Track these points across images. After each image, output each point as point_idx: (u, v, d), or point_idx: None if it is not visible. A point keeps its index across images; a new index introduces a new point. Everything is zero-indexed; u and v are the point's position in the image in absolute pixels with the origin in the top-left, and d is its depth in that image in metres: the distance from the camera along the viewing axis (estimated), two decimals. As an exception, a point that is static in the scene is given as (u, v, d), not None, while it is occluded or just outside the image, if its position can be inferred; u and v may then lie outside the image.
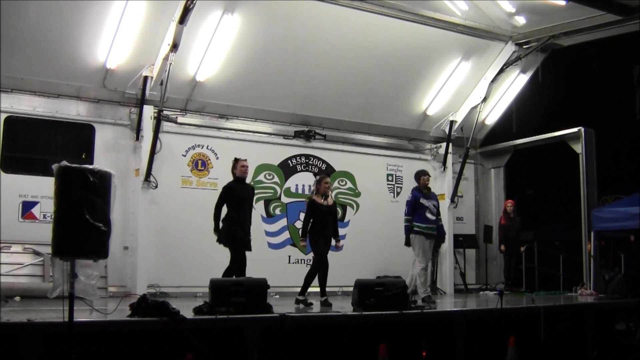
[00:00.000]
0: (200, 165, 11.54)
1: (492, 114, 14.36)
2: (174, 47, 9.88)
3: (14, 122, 10.16)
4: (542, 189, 17.31)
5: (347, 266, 12.21)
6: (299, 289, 12.04)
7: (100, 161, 10.26)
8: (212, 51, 10.84)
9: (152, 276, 10.50)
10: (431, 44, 12.32)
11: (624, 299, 10.31)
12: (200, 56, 10.88)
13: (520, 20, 12.27)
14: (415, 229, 9.93)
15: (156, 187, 10.81)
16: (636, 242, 12.73)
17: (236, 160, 9.00)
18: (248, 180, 11.88)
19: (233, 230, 8.69)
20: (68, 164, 5.38)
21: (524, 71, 13.72)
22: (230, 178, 11.58)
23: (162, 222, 10.97)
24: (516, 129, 15.49)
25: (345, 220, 12.86)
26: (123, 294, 9.58)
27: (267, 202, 12.16)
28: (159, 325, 6.02)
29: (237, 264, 8.59)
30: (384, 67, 12.33)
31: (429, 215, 9.98)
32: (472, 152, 14.15)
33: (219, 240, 8.74)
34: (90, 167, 5.48)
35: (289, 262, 12.23)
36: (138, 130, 10.83)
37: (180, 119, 11.37)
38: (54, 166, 5.37)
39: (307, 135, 12.63)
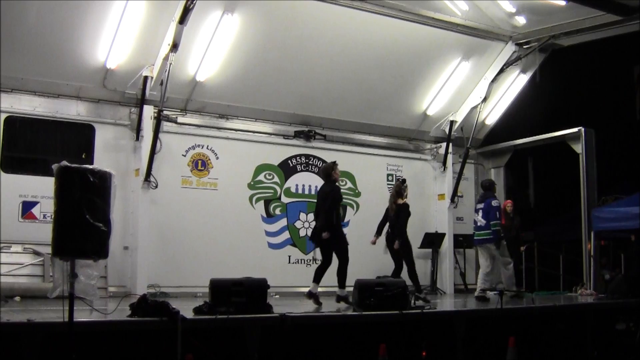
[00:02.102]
0: (200, 165, 11.54)
1: (492, 114, 14.36)
2: (174, 47, 9.88)
3: (14, 122, 10.16)
4: (542, 189, 17.29)
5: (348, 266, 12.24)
6: (299, 289, 12.13)
7: (100, 161, 10.26)
8: (212, 51, 10.83)
9: (152, 276, 10.50)
10: (431, 44, 12.32)
11: (624, 299, 10.31)
12: (200, 56, 10.87)
13: (520, 20, 12.27)
14: (501, 233, 10.72)
15: (156, 187, 10.81)
16: (637, 242, 12.72)
17: (336, 165, 9.45)
18: (247, 180, 11.99)
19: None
20: (68, 164, 5.38)
21: (524, 71, 13.72)
22: (231, 178, 11.75)
23: (162, 222, 10.97)
24: (516, 128, 15.47)
25: (345, 220, 12.85)
26: (123, 294, 9.60)
27: (267, 202, 12.16)
28: (159, 325, 6.02)
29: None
30: (384, 67, 12.32)
31: None
32: (472, 152, 14.14)
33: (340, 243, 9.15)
34: (90, 167, 5.49)
35: (289, 262, 12.24)
36: (138, 130, 10.83)
37: (180, 119, 11.36)
38: (54, 166, 5.37)
39: (307, 135, 12.63)
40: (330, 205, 9.06)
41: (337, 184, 9.49)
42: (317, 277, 9.13)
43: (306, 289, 11.98)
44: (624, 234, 13.04)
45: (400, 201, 10.79)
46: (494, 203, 10.58)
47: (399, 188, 10.92)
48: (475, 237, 10.93)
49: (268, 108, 12.18)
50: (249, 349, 6.48)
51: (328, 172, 9.44)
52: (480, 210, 10.71)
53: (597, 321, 9.21)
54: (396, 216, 10.75)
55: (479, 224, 10.68)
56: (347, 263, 9.12)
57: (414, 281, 10.59)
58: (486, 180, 11.46)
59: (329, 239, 9.00)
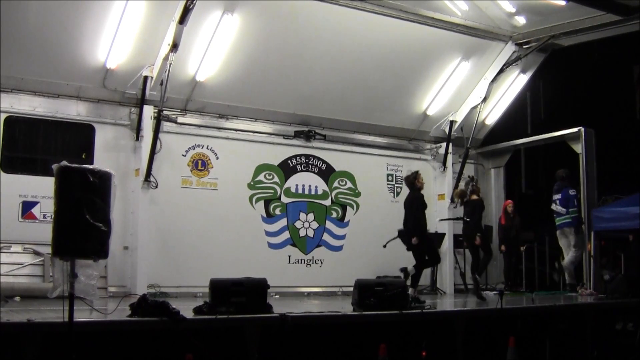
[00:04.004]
0: (200, 165, 11.54)
1: (492, 114, 14.36)
2: (174, 47, 9.88)
3: (14, 122, 10.16)
4: (542, 189, 17.28)
5: (347, 266, 12.25)
6: (299, 289, 12.15)
7: (100, 161, 10.26)
8: (212, 51, 10.83)
9: (152, 276, 10.50)
10: (431, 44, 12.32)
11: (624, 299, 10.31)
12: (200, 56, 10.87)
13: (520, 20, 12.27)
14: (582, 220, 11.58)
15: (156, 187, 10.81)
16: (635, 241, 12.71)
17: (419, 174, 10.42)
18: (247, 180, 11.99)
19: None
20: (68, 164, 5.38)
21: (524, 71, 13.72)
22: (231, 178, 11.75)
23: (162, 222, 10.97)
24: (516, 128, 15.48)
25: (345, 220, 12.88)
26: (123, 294, 9.59)
27: (267, 202, 12.16)
28: (159, 325, 6.02)
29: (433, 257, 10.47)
30: (384, 67, 12.32)
31: None
32: (472, 152, 14.14)
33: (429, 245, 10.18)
34: (90, 167, 5.49)
35: (289, 262, 12.24)
36: (138, 130, 10.83)
37: (180, 119, 11.36)
38: (54, 166, 5.37)
39: (307, 135, 12.63)
40: (416, 211, 9.95)
41: (421, 191, 10.27)
42: (414, 282, 9.88)
43: (306, 289, 12.12)
44: (624, 234, 13.03)
45: (474, 197, 11.62)
46: (571, 192, 11.40)
47: (470, 185, 11.94)
48: (556, 224, 11.74)
49: (268, 108, 12.18)
50: (249, 349, 6.48)
51: (411, 181, 10.30)
52: (558, 200, 11.51)
53: (597, 321, 9.21)
54: (472, 212, 11.38)
55: (558, 211, 11.55)
56: (436, 263, 10.66)
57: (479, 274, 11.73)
58: (562, 171, 11.95)
59: (419, 242, 9.90)
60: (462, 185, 13.00)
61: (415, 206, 10.11)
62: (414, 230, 10.03)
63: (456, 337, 7.79)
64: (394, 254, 12.27)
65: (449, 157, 13.81)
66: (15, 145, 10.26)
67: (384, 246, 11.54)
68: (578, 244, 11.67)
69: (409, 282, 9.57)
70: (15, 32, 9.45)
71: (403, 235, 10.44)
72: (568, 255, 11.83)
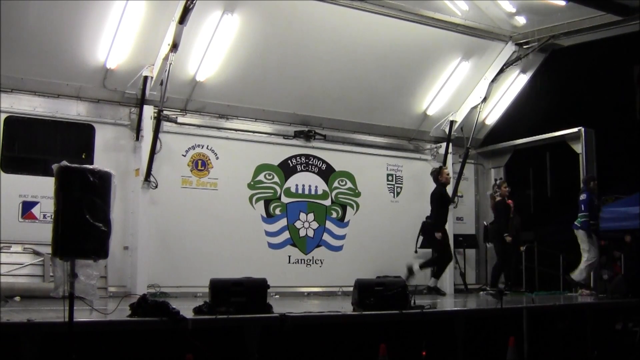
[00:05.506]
0: (200, 165, 11.54)
1: (492, 114, 14.35)
2: (174, 47, 9.87)
3: (14, 122, 10.15)
4: (542, 189, 17.30)
5: (347, 266, 12.24)
6: (299, 289, 12.15)
7: (100, 161, 10.25)
8: (212, 51, 10.83)
9: (152, 276, 10.49)
10: (431, 44, 12.32)
11: (624, 299, 10.31)
12: (200, 56, 10.87)
13: (520, 20, 12.27)
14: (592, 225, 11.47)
15: (156, 187, 10.80)
16: (633, 242, 12.71)
17: (442, 169, 10.67)
18: (247, 180, 11.98)
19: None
20: (68, 164, 5.39)
21: (524, 71, 13.72)
22: (231, 178, 11.75)
23: (162, 222, 10.96)
24: (516, 128, 15.51)
25: (345, 220, 12.86)
26: (123, 294, 9.58)
27: (267, 202, 12.15)
28: (159, 325, 6.02)
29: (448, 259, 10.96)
30: (384, 67, 12.32)
31: None
32: (472, 152, 14.13)
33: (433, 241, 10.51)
34: (90, 167, 5.50)
35: (289, 262, 12.23)
36: (138, 130, 10.83)
37: (180, 119, 11.36)
38: (54, 166, 5.38)
39: (307, 135, 12.62)
40: (435, 206, 10.29)
41: (446, 187, 10.59)
42: (437, 274, 10.49)
43: (306, 289, 12.13)
44: (623, 234, 13.04)
45: (499, 199, 12.43)
46: (582, 197, 11.45)
47: (493, 188, 12.86)
48: None
49: (268, 108, 12.17)
50: (249, 349, 6.48)
51: (435, 176, 10.68)
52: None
53: (597, 321, 9.21)
54: (496, 215, 12.39)
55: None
56: (444, 258, 10.76)
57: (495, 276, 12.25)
58: (584, 177, 12.20)
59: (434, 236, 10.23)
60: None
61: (434, 201, 10.22)
62: (434, 225, 10.09)
63: (456, 337, 7.79)
64: (394, 254, 12.30)
65: (449, 157, 13.78)
66: (15, 145, 10.25)
67: (416, 251, 11.82)
68: (586, 251, 11.39)
69: (410, 281, 9.67)
70: (15, 32, 9.45)
71: (424, 227, 10.58)
72: (583, 264, 11.53)
